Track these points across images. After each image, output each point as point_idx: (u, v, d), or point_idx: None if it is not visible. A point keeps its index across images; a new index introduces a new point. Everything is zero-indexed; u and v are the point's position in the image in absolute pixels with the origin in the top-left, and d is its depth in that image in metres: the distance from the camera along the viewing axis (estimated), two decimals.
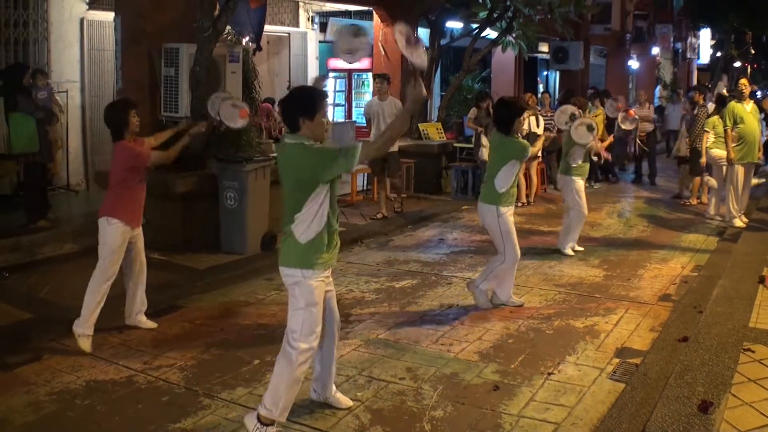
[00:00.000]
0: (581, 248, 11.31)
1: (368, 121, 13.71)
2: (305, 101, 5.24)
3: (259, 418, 5.32)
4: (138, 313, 7.78)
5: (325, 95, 5.45)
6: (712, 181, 14.28)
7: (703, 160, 13.61)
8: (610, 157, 12.88)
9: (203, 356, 7.06)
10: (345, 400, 5.98)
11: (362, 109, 24.37)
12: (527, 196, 15.50)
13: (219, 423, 5.69)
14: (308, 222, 5.24)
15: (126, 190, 7.36)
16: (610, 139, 14.14)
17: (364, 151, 5.09)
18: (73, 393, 6.22)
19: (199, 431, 5.58)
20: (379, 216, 13.41)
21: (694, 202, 15.66)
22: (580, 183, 11.01)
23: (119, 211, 7.29)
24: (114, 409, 5.95)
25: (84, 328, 7.09)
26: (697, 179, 15.57)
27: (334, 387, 5.97)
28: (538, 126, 15.68)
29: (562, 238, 11.24)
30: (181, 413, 5.84)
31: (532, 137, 15.31)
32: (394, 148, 13.28)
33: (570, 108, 11.26)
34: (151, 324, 7.78)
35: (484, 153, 13.41)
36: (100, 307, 7.21)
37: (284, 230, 5.35)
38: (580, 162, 10.90)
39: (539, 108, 16.81)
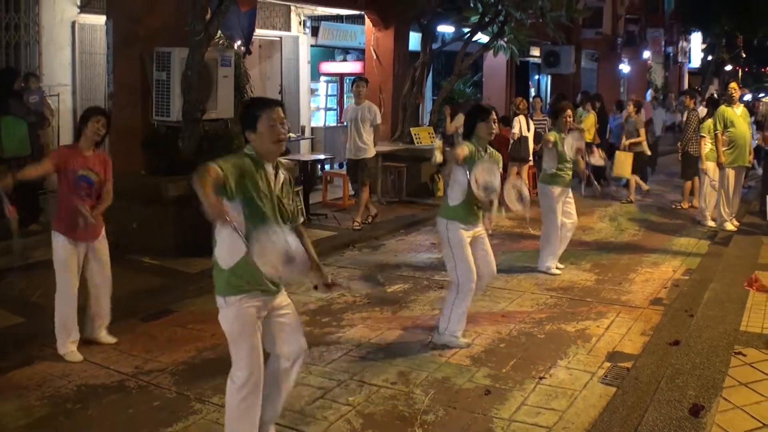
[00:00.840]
0: (558, 271, 10.49)
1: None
2: (245, 113, 5.05)
3: None
4: (99, 327, 7.43)
5: (270, 104, 5.03)
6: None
7: (704, 165, 13.43)
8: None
9: (194, 361, 7.06)
10: None
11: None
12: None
13: (210, 427, 5.69)
14: (226, 243, 4.98)
15: (62, 198, 7.09)
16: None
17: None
18: (64, 397, 6.22)
19: None
20: (355, 225, 13.00)
21: (686, 206, 15.66)
22: (556, 191, 10.30)
23: (57, 222, 7.09)
24: (105, 413, 5.95)
25: (65, 347, 7.01)
26: (688, 183, 15.61)
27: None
28: (528, 129, 15.68)
29: (541, 254, 10.49)
30: (173, 417, 5.84)
31: (523, 141, 15.34)
32: (369, 154, 13.13)
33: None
34: (110, 339, 7.45)
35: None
36: (74, 320, 7.06)
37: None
38: (554, 170, 10.27)
39: (530, 111, 16.75)
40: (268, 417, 5.24)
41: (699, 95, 18.79)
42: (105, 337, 7.45)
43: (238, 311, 4.89)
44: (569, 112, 10.51)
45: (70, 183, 7.00)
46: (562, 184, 10.36)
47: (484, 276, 7.65)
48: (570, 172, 10.44)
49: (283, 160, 5.20)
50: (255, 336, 4.94)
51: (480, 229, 7.59)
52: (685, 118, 15.89)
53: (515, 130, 15.53)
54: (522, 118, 15.57)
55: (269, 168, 4.95)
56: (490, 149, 7.60)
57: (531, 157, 15.65)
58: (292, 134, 17.41)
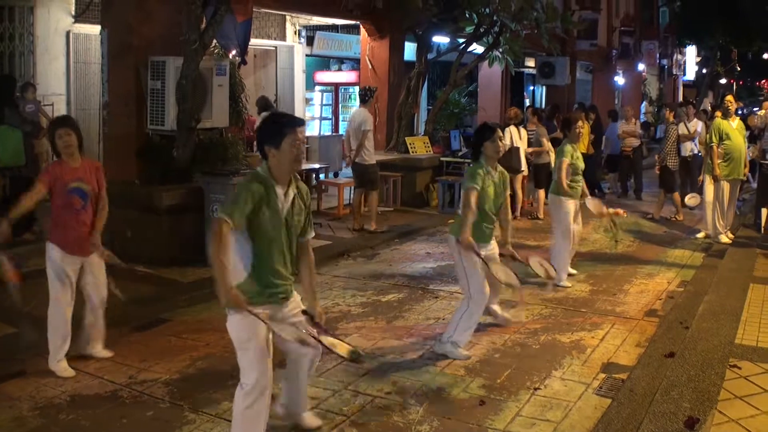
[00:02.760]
0: (574, 271, 10.88)
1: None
2: (271, 128, 5.05)
3: None
4: (94, 341, 7.33)
5: (295, 123, 5.07)
6: (696, 199, 14.33)
7: (718, 171, 13.12)
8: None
9: (188, 370, 7.03)
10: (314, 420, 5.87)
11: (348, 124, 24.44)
12: (513, 210, 15.42)
13: None
14: (235, 261, 4.95)
15: (55, 213, 7.01)
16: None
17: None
18: (57, 408, 6.19)
19: None
20: (356, 227, 13.49)
21: (680, 217, 15.63)
22: (570, 205, 10.34)
23: (53, 235, 7.00)
24: (98, 424, 5.92)
25: (56, 363, 6.92)
26: (677, 194, 15.60)
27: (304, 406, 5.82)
28: (520, 138, 15.63)
29: (556, 269, 9.76)
30: (166, 428, 5.82)
31: (514, 152, 15.29)
32: (371, 160, 13.39)
33: None
34: (106, 353, 7.36)
35: None
36: (66, 337, 6.98)
37: None
38: (568, 181, 10.27)
39: (523, 121, 16.68)
40: (300, 408, 5.73)
41: (694, 107, 18.72)
42: (101, 351, 7.35)
43: (244, 319, 4.91)
44: (581, 123, 10.57)
45: (62, 198, 6.93)
46: (575, 196, 10.42)
47: (495, 290, 7.88)
48: (581, 185, 10.52)
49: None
50: (262, 344, 5.00)
51: (492, 248, 7.70)
52: (664, 132, 15.86)
53: (506, 140, 15.48)
54: (513, 128, 15.51)
55: (279, 189, 4.96)
56: (500, 168, 7.69)
57: (525, 167, 15.61)
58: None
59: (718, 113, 14.67)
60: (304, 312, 5.19)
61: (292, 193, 5.04)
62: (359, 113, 13.75)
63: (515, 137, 15.46)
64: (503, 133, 15.19)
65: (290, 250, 5.10)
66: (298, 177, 5.22)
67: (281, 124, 5.00)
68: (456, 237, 7.41)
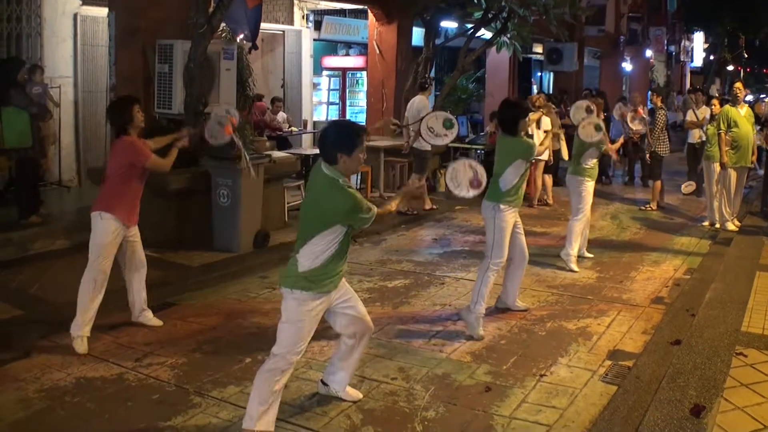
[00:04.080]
0: (591, 255, 11.07)
1: None
2: (345, 137, 5.25)
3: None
4: (142, 310, 7.74)
5: (363, 131, 5.40)
6: (692, 187, 14.30)
7: (725, 159, 13.10)
8: (619, 161, 12.42)
9: (194, 354, 7.04)
10: (354, 393, 6.13)
11: (357, 108, 24.41)
12: (532, 198, 15.34)
13: (209, 421, 5.68)
14: (313, 257, 5.25)
15: (123, 186, 7.24)
16: (621, 140, 13.76)
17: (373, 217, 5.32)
18: (62, 390, 6.20)
19: (190, 430, 5.55)
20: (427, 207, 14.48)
21: (654, 206, 15.48)
22: (590, 185, 10.58)
23: (114, 206, 7.17)
24: (104, 406, 5.93)
25: (79, 330, 7.00)
26: (658, 183, 15.49)
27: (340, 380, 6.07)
28: (538, 127, 15.42)
29: (567, 247, 10.57)
30: (172, 411, 5.82)
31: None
32: (427, 146, 13.72)
33: (584, 103, 10.96)
34: (156, 321, 7.75)
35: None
36: (95, 306, 7.10)
37: (293, 252, 5.38)
38: (590, 163, 10.53)
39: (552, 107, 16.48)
40: (347, 376, 6.06)
41: (702, 93, 18.63)
42: (152, 319, 7.77)
43: (299, 305, 5.28)
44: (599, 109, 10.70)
45: (142, 173, 7.35)
46: (594, 177, 10.72)
47: (518, 258, 8.34)
48: (598, 167, 10.85)
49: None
50: (305, 328, 5.31)
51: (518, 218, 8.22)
52: (655, 117, 15.73)
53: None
54: (544, 114, 15.33)
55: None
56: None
57: (547, 155, 15.36)
58: (294, 128, 17.44)
59: (715, 101, 14.64)
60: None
61: None
62: (419, 101, 14.27)
63: (543, 123, 15.24)
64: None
65: (349, 242, 5.47)
66: None
67: (356, 133, 5.28)
68: (495, 202, 7.88)
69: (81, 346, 6.97)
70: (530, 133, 14.96)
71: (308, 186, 5.45)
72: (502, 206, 7.84)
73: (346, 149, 5.15)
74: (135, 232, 7.52)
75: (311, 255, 5.23)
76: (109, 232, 7.15)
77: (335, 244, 5.24)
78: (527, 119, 8.18)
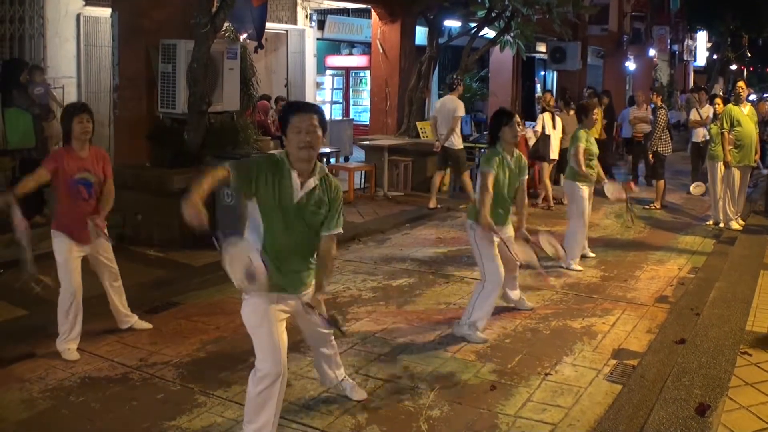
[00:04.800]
0: (593, 255, 11.05)
1: None
2: (281, 118, 5.10)
3: None
4: (126, 317, 7.59)
5: (298, 108, 5.05)
6: (701, 188, 14.26)
7: (729, 158, 13.10)
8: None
9: (199, 354, 7.04)
10: (359, 392, 6.06)
11: (360, 107, 24.44)
12: (537, 197, 15.32)
13: (214, 421, 5.67)
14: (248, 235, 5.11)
15: (60, 202, 7.03)
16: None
17: None
18: (67, 390, 6.20)
19: (195, 429, 5.55)
20: (430, 206, 14.58)
21: (658, 206, 15.54)
22: (585, 191, 10.44)
23: (58, 223, 7.02)
24: (108, 406, 5.93)
25: (65, 344, 6.94)
26: (661, 182, 15.48)
27: (337, 376, 5.99)
28: (554, 127, 15.34)
29: (567, 251, 10.18)
30: (177, 411, 5.82)
31: (544, 140, 15.14)
32: (460, 145, 14.33)
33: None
34: (145, 325, 7.66)
35: None
36: (77, 320, 6.98)
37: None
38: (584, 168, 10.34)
39: (557, 108, 16.44)
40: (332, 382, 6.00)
41: (705, 92, 18.61)
42: (138, 323, 7.67)
43: (254, 306, 5.03)
44: (598, 110, 10.55)
45: (67, 187, 6.92)
46: (589, 182, 10.49)
47: (510, 270, 8.00)
48: (596, 171, 10.57)
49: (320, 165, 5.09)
50: (273, 330, 5.02)
51: (508, 232, 7.84)
52: (656, 117, 15.73)
53: (538, 127, 15.31)
54: (547, 115, 15.30)
55: (294, 175, 4.93)
56: (517, 153, 7.79)
57: (556, 155, 15.36)
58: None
59: (718, 100, 14.60)
60: (306, 304, 5.13)
61: (313, 183, 4.98)
62: (450, 100, 14.49)
63: (548, 125, 15.21)
64: (537, 120, 15.24)
65: (303, 239, 5.07)
66: (328, 172, 5.16)
67: (286, 111, 5.03)
68: (472, 220, 7.53)
69: (71, 355, 6.90)
70: (547, 133, 14.99)
71: None
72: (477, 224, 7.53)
73: (282, 129, 5.00)
74: (97, 245, 7.17)
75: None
76: (60, 249, 6.97)
77: (258, 225, 5.09)
78: (513, 122, 7.62)
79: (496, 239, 7.55)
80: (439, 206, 14.59)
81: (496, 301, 7.68)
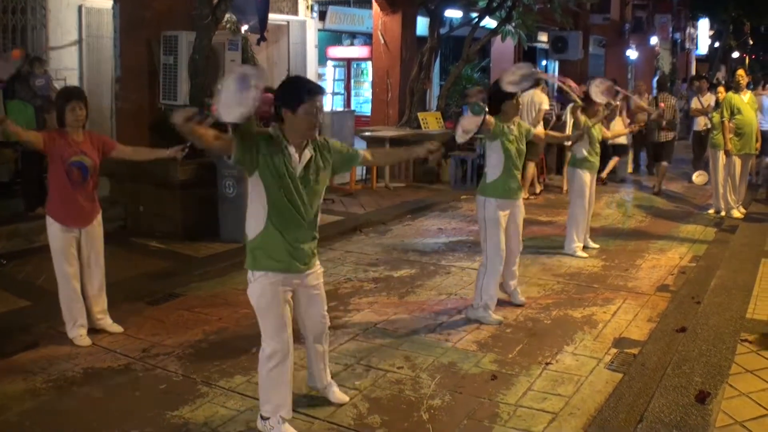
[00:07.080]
0: (596, 245, 10.98)
1: None
2: (288, 92, 5.05)
3: (261, 415, 5.29)
4: (99, 314, 7.30)
5: (316, 90, 5.03)
6: (704, 177, 14.28)
7: (729, 146, 13.07)
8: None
9: (201, 344, 7.06)
10: (340, 396, 5.90)
11: (362, 98, 24.37)
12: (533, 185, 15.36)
13: (217, 411, 5.69)
14: (251, 218, 5.10)
15: (54, 186, 6.95)
16: (625, 130, 13.92)
17: None
18: (70, 380, 6.23)
19: (197, 419, 5.57)
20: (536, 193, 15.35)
21: (657, 190, 15.64)
22: (586, 177, 10.50)
23: (52, 208, 6.95)
24: (111, 396, 5.95)
25: (73, 331, 6.99)
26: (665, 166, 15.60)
27: (327, 378, 5.89)
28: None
29: (567, 237, 10.66)
30: (179, 401, 5.84)
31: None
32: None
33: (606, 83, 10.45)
34: (116, 328, 7.35)
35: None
36: (78, 305, 7.02)
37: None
38: (583, 153, 10.43)
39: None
40: (321, 383, 5.83)
41: (706, 81, 18.59)
42: (111, 325, 7.34)
43: (263, 286, 5.09)
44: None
45: (62, 170, 6.87)
46: (592, 168, 10.59)
47: (513, 252, 8.10)
48: (598, 157, 10.68)
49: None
50: (280, 311, 5.11)
51: (520, 206, 8.04)
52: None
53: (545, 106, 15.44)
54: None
55: (292, 150, 4.96)
56: (517, 120, 7.99)
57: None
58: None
59: (721, 88, 14.59)
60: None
61: (309, 153, 5.02)
62: (537, 94, 14.86)
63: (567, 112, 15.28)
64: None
65: (307, 211, 5.07)
66: (314, 140, 5.15)
67: (301, 89, 4.97)
68: (483, 197, 7.74)
69: (82, 341, 6.96)
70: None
71: None
72: (487, 199, 7.75)
73: (288, 104, 4.92)
74: (88, 232, 7.10)
75: (250, 217, 5.15)
76: (54, 236, 6.93)
77: (262, 203, 5.02)
78: (513, 101, 7.76)
79: (504, 223, 7.75)
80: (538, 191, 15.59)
81: (498, 283, 7.82)
